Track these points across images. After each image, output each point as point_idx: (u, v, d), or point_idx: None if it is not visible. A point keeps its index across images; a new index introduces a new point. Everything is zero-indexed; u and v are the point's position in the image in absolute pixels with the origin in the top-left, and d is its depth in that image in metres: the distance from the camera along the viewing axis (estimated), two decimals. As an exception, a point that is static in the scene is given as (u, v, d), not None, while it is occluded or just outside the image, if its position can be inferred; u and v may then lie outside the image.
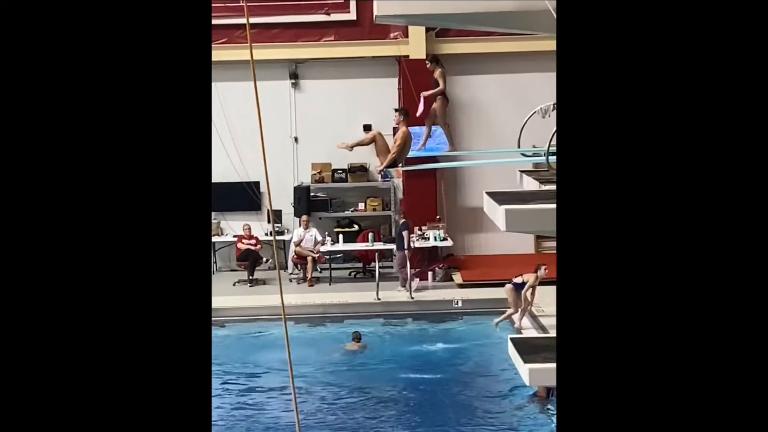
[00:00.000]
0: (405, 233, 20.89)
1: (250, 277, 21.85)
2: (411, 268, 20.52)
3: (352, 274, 22.52)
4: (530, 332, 16.45)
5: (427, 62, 16.57)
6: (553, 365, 6.34)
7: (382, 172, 15.83)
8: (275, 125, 23.29)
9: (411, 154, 15.90)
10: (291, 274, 22.62)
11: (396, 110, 15.78)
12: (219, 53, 22.43)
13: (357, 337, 17.63)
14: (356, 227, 22.96)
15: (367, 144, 14.47)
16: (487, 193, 8.58)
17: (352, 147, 14.86)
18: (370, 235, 22.01)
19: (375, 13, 12.30)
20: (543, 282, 17.10)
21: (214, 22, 22.96)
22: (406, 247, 20.57)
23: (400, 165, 14.92)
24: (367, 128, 22.19)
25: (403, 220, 21.39)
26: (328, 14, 22.92)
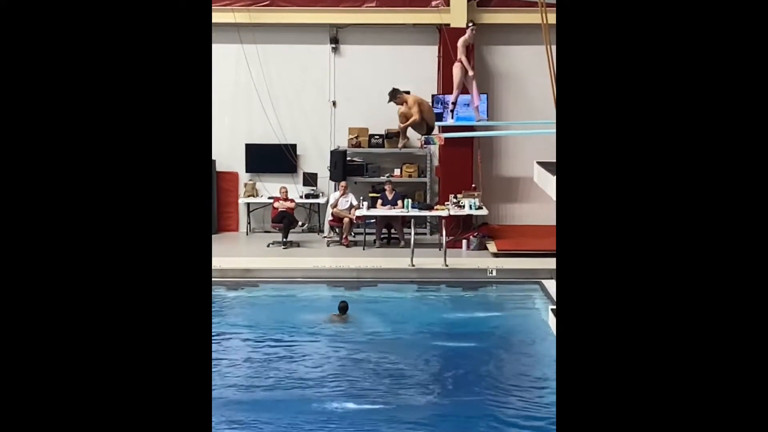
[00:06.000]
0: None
1: (284, 239, 21.97)
2: (447, 235, 20.57)
3: (383, 239, 22.55)
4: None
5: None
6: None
7: (422, 139, 16.11)
8: (314, 89, 23.41)
9: (448, 123, 16.08)
10: (326, 237, 22.75)
11: (388, 101, 15.62)
12: (261, 15, 22.54)
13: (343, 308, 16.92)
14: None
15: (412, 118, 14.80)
16: (539, 162, 8.51)
17: (405, 130, 15.31)
18: (407, 200, 22.03)
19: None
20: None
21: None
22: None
23: (437, 131, 15.12)
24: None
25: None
26: (371, -20, 22.94)
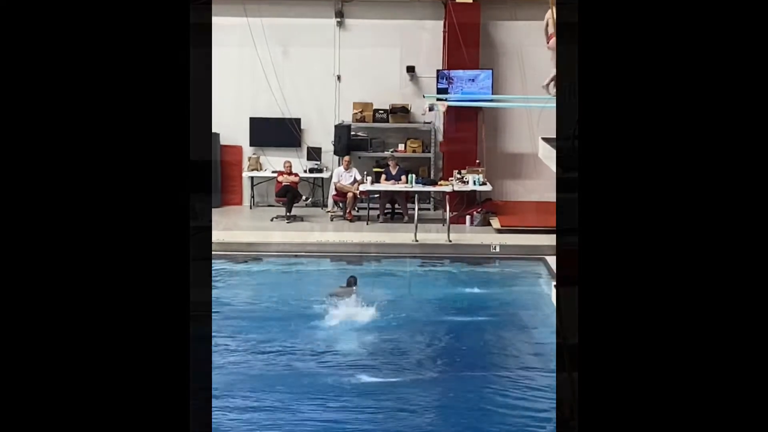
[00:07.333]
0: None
1: (288, 214, 21.97)
2: (451, 210, 20.56)
3: (387, 214, 22.55)
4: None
5: None
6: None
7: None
8: (319, 63, 23.34)
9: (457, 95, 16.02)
10: (329, 211, 22.75)
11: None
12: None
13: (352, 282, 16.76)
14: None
15: None
16: (543, 138, 8.46)
17: None
18: (411, 176, 22.05)
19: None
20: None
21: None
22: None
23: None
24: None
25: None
26: (377, -47, 22.84)
